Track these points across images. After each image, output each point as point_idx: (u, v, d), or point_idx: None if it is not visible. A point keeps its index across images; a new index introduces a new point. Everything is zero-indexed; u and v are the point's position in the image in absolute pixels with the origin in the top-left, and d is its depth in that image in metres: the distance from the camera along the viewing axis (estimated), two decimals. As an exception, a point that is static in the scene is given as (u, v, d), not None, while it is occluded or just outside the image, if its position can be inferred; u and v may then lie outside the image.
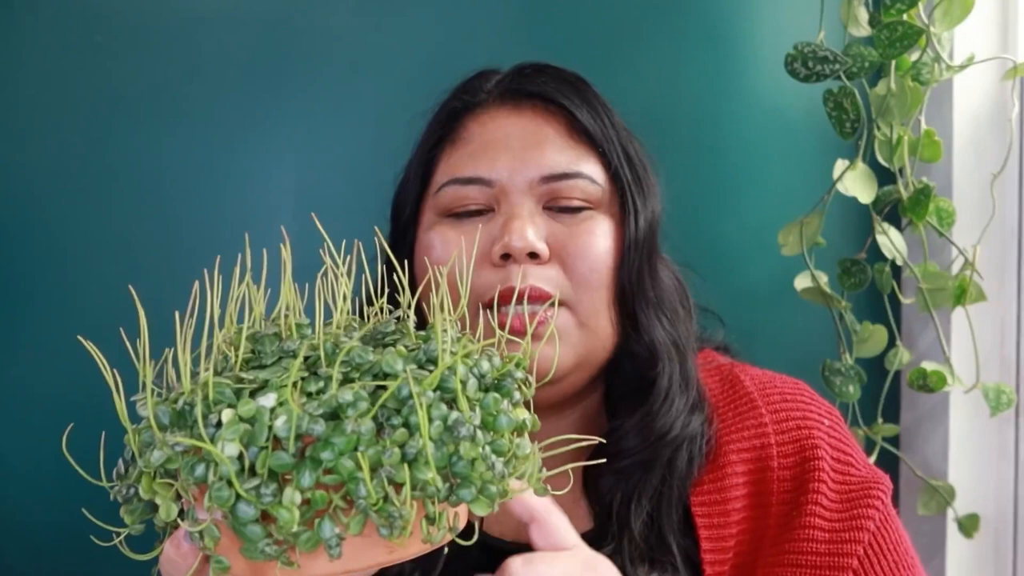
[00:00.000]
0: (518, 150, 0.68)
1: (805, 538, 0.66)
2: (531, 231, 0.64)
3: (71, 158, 1.00)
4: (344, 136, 1.04)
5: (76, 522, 0.59)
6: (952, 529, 1.07)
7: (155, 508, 0.45)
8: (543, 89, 0.71)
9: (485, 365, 0.47)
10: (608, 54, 1.08)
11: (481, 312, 0.63)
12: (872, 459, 1.05)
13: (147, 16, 1.01)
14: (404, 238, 0.72)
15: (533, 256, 0.65)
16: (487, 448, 0.44)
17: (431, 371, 0.45)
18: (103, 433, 0.48)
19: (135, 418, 0.45)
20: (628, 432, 0.68)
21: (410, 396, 0.42)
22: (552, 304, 0.64)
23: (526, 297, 0.63)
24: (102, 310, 0.98)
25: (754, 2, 1.11)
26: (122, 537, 0.47)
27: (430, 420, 0.42)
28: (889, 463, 1.10)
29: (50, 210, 1.00)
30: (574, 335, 0.66)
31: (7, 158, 0.99)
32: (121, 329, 0.48)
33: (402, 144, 0.75)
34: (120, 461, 0.48)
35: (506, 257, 0.65)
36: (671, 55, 1.09)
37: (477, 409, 0.45)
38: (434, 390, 0.43)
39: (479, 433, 0.44)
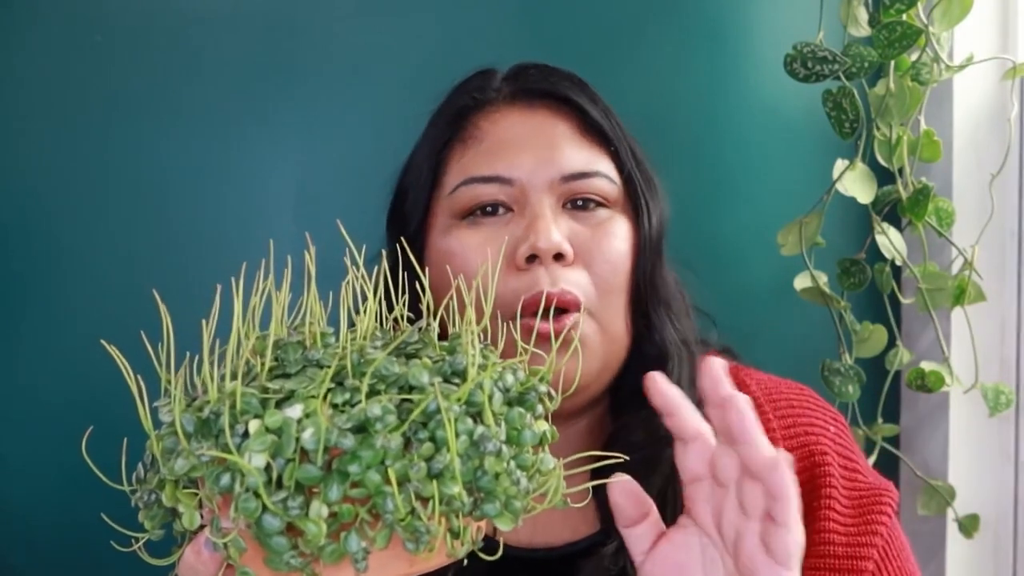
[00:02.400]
0: (536, 149, 0.67)
1: (822, 542, 0.66)
2: (556, 231, 0.64)
3: (71, 158, 1.00)
4: (345, 136, 1.04)
5: (82, 525, 0.59)
6: (952, 529, 1.07)
7: (175, 513, 0.45)
8: (555, 88, 0.70)
9: (510, 379, 0.47)
10: (608, 54, 1.08)
11: (509, 322, 0.62)
12: (872, 459, 1.05)
13: (147, 16, 1.00)
14: (413, 245, 0.69)
15: (558, 257, 0.64)
16: (512, 463, 0.44)
17: (456, 383, 0.45)
18: (124, 439, 0.48)
19: (155, 424, 0.45)
20: (635, 428, 0.68)
21: (437, 410, 0.42)
22: (582, 311, 0.64)
23: (554, 304, 0.62)
24: (103, 311, 0.99)
25: (754, 2, 1.11)
26: (142, 543, 0.47)
27: (456, 435, 0.42)
28: (889, 463, 1.10)
29: (49, 210, 1.00)
30: (597, 343, 0.65)
31: (7, 158, 0.99)
32: (142, 333, 0.48)
33: (403, 144, 0.75)
34: (139, 466, 0.48)
35: (531, 259, 0.64)
36: (671, 55, 1.09)
37: (502, 424, 0.45)
38: (461, 404, 0.43)
39: (504, 448, 0.44)
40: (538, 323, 0.60)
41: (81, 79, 1.00)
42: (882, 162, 1.01)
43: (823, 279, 1.04)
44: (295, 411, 0.41)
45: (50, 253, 1.00)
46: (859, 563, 0.65)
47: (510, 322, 0.62)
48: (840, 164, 1.00)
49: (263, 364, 0.45)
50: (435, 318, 0.52)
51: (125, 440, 0.47)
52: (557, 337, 0.60)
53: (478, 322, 0.51)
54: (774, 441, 0.69)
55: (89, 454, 0.48)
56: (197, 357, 0.46)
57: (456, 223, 0.68)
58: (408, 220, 0.71)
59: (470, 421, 0.43)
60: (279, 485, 0.40)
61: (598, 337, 0.65)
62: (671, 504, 0.67)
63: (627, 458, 0.56)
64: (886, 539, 0.67)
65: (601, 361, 0.66)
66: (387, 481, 0.40)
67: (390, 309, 0.54)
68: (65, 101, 0.99)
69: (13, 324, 1.00)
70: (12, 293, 0.99)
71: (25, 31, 0.99)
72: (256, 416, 0.41)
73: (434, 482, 0.41)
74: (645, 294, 0.68)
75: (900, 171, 1.01)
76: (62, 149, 0.99)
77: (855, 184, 0.99)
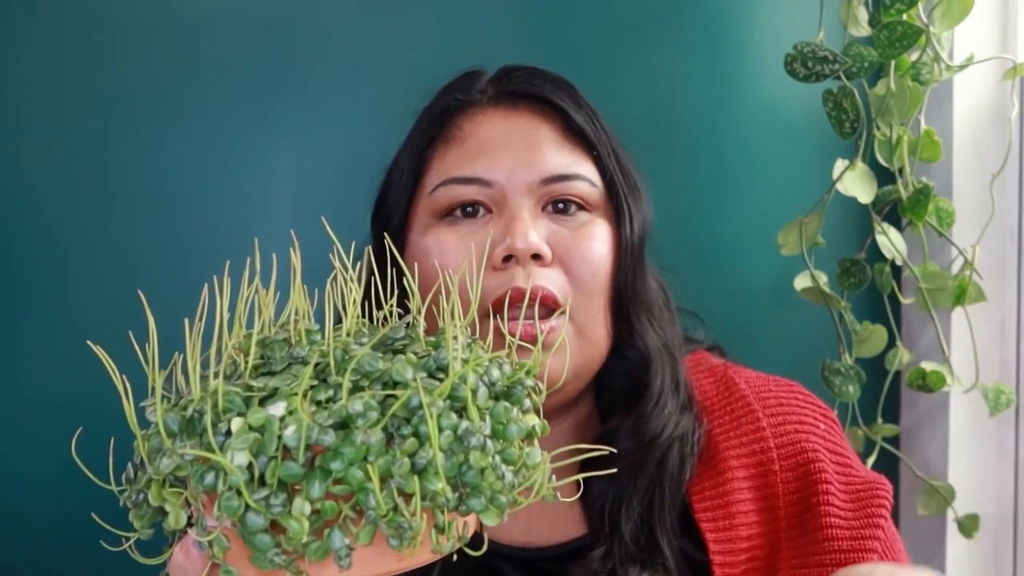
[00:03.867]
0: (517, 151, 0.67)
1: (826, 538, 0.67)
2: (534, 233, 0.64)
3: (70, 158, 1.00)
4: (344, 136, 1.04)
5: (79, 524, 0.59)
6: (952, 529, 1.07)
7: (165, 513, 0.45)
8: (538, 91, 0.71)
9: (495, 373, 0.47)
10: (608, 54, 1.08)
11: (490, 317, 0.62)
12: (872, 459, 1.05)
13: (147, 16, 1.00)
14: (393, 241, 0.70)
15: (536, 258, 0.64)
16: (497, 458, 0.44)
17: (441, 379, 0.45)
18: (112, 439, 0.48)
19: (143, 423, 0.45)
20: (622, 434, 0.68)
21: (420, 406, 0.42)
22: (562, 313, 0.64)
23: (537, 301, 0.63)
24: (101, 310, 0.99)
25: (754, 2, 1.10)
26: (131, 542, 0.47)
27: (440, 430, 0.42)
28: (889, 463, 1.10)
29: (49, 209, 1.00)
30: (573, 343, 0.65)
31: (6, 158, 0.99)
32: (130, 333, 0.48)
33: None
34: (129, 465, 0.48)
35: (508, 259, 0.64)
36: (671, 55, 1.09)
37: (487, 418, 0.45)
38: (444, 399, 0.43)
39: (489, 442, 0.44)
40: (520, 324, 0.60)
41: (81, 79, 1.00)
42: (882, 162, 1.01)
43: (823, 279, 1.04)
44: (278, 408, 0.41)
45: (48, 252, 1.00)
46: (864, 555, 0.65)
47: (484, 320, 0.62)
48: (840, 164, 1.00)
49: (247, 362, 0.45)
50: (421, 313, 0.52)
51: (112, 440, 0.47)
52: (534, 342, 0.59)
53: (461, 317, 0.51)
54: (765, 439, 0.69)
55: (87, 453, 0.49)
56: (183, 356, 0.46)
57: (435, 222, 0.68)
58: (389, 217, 0.72)
59: (454, 416, 0.43)
60: (262, 483, 0.40)
61: (574, 339, 0.65)
62: (657, 506, 0.67)
63: (614, 450, 0.57)
64: (885, 530, 0.67)
65: (575, 361, 0.65)
66: (369, 477, 0.40)
67: (379, 306, 0.54)
68: (64, 101, 0.99)
69: (11, 323, 1.00)
70: (9, 292, 0.99)
71: (25, 31, 0.99)
72: (239, 414, 0.41)
73: (416, 478, 0.41)
74: (626, 299, 0.69)
75: (900, 171, 1.01)
76: (60, 149, 0.99)
77: (855, 184, 0.99)
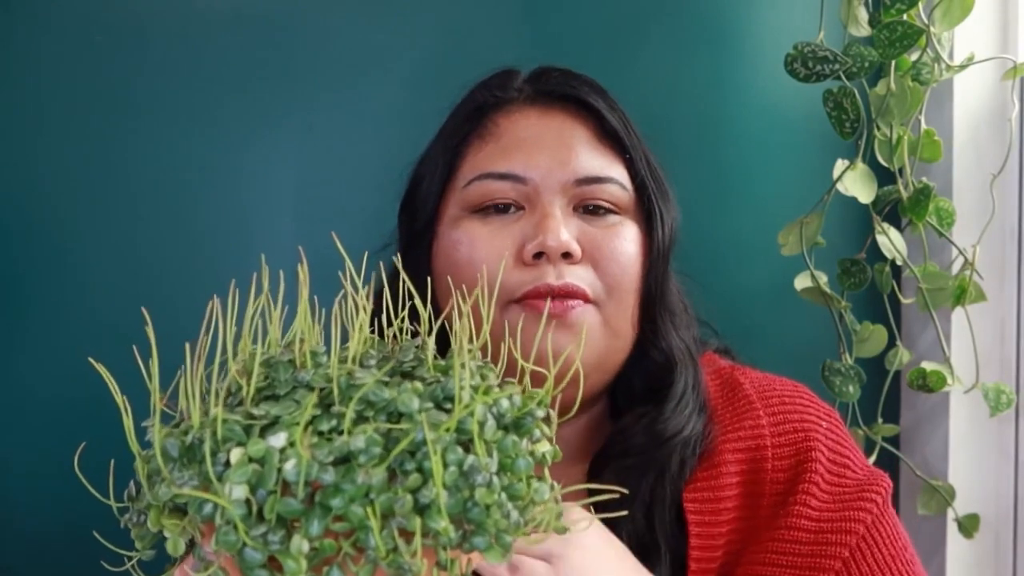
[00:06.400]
0: (552, 150, 0.68)
1: (789, 539, 0.67)
2: (565, 231, 0.65)
3: (70, 158, 0.99)
4: (345, 137, 1.04)
5: (83, 531, 0.59)
6: (952, 529, 1.07)
7: (165, 536, 0.44)
8: (575, 92, 0.71)
9: (504, 404, 0.46)
10: (608, 54, 1.08)
11: (507, 312, 0.64)
12: (872, 459, 1.05)
13: (147, 16, 1.00)
14: (423, 235, 0.71)
15: (566, 256, 0.65)
16: (503, 495, 0.43)
17: (448, 409, 0.44)
18: (112, 460, 0.47)
19: (146, 443, 0.44)
20: (637, 432, 0.69)
21: (425, 441, 0.41)
22: (591, 304, 0.65)
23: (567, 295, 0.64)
24: (103, 310, 0.99)
25: (754, 2, 1.10)
26: (134, 561, 0.46)
27: (445, 465, 0.41)
28: (889, 463, 1.10)
29: (50, 210, 0.99)
30: (598, 334, 0.66)
31: (6, 159, 0.99)
32: (134, 348, 0.47)
33: (402, 145, 0.75)
34: (131, 483, 0.48)
35: (539, 256, 0.65)
36: (671, 55, 1.09)
37: (495, 453, 0.44)
38: (450, 433, 0.42)
39: (495, 479, 0.43)
40: (547, 308, 0.62)
41: (81, 79, 0.99)
42: (882, 162, 1.01)
43: (823, 279, 1.03)
44: (278, 440, 0.40)
45: (49, 253, 0.99)
46: (823, 561, 0.66)
47: (513, 313, 0.64)
48: (840, 164, 0.99)
49: (249, 387, 0.44)
50: (435, 328, 0.52)
51: (112, 462, 0.46)
52: (558, 317, 0.62)
53: (478, 328, 0.50)
54: (762, 436, 0.69)
55: (93, 458, 0.48)
56: (186, 375, 0.45)
57: (466, 215, 0.69)
58: (420, 210, 0.72)
59: (460, 450, 0.42)
60: (260, 517, 0.39)
61: (600, 328, 0.66)
62: (660, 501, 0.68)
63: (624, 491, 0.57)
64: (863, 535, 0.67)
65: (600, 352, 0.67)
66: (369, 516, 0.39)
67: (390, 323, 0.53)
68: (65, 101, 0.99)
69: (16, 324, 0.99)
70: (13, 293, 0.99)
71: (25, 31, 0.98)
72: (239, 444, 0.40)
73: (418, 518, 0.40)
74: (654, 301, 0.70)
75: (900, 171, 1.01)
76: (61, 150, 0.99)
77: (855, 184, 0.98)
